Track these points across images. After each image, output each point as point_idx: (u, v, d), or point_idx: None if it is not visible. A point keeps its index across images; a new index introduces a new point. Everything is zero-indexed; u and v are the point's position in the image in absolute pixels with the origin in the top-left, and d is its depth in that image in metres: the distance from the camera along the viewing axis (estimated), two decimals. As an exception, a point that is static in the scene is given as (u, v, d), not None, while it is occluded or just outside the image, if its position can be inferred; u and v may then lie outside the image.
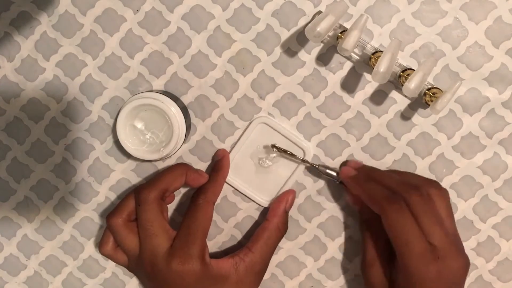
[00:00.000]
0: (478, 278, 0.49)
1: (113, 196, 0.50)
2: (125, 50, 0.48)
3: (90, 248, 0.51)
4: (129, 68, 0.48)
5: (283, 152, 0.47)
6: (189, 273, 0.42)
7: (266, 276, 0.50)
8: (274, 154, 0.48)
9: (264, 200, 0.49)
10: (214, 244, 0.50)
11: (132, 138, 0.46)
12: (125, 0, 0.47)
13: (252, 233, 0.48)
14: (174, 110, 0.45)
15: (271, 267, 0.50)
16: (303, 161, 0.47)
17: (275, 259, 0.50)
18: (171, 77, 0.48)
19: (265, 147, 0.48)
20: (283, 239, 0.50)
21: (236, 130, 0.48)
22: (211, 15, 0.47)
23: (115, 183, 0.50)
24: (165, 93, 0.47)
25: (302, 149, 0.47)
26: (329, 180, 0.48)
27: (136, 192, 0.44)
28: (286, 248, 0.50)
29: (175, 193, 0.49)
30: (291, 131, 0.47)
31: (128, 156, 0.49)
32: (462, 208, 0.48)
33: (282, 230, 0.47)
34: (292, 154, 0.47)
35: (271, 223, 0.46)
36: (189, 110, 0.48)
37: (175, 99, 0.46)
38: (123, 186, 0.50)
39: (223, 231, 0.50)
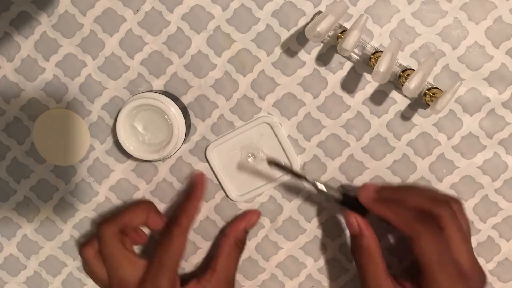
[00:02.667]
0: (478, 278, 0.49)
1: (112, 196, 0.50)
2: (125, 50, 0.48)
3: (90, 248, 0.51)
4: (129, 68, 0.48)
5: (281, 168, 0.45)
6: None
7: (266, 276, 0.50)
8: (263, 159, 0.48)
9: (233, 193, 0.49)
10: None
11: (132, 138, 0.46)
12: (125, 0, 0.47)
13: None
14: (173, 110, 0.45)
15: (271, 267, 0.50)
16: (303, 178, 0.45)
17: (275, 259, 0.50)
18: (171, 77, 0.48)
19: (267, 159, 0.47)
20: (283, 240, 0.50)
21: (238, 123, 0.48)
22: (211, 15, 0.47)
23: (115, 183, 0.50)
24: (165, 93, 0.47)
25: (290, 163, 0.48)
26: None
27: (97, 228, 0.44)
28: (286, 248, 0.50)
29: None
30: (288, 142, 0.47)
31: (128, 156, 0.49)
32: (462, 208, 0.48)
33: (240, 247, 0.48)
34: (292, 172, 0.45)
35: (229, 239, 0.47)
36: (189, 110, 0.48)
37: (175, 99, 0.46)
38: (123, 186, 0.50)
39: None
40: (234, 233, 0.47)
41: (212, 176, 0.49)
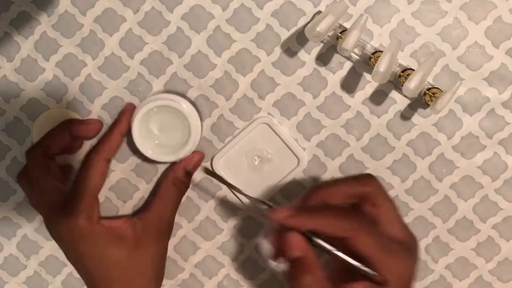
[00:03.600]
0: (478, 278, 0.49)
1: (113, 196, 0.50)
2: (125, 50, 0.48)
3: (90, 248, 0.51)
4: (129, 68, 0.48)
5: (216, 177, 0.45)
6: (76, 229, 0.43)
7: (266, 276, 0.50)
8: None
9: (246, 198, 0.48)
10: (214, 243, 0.50)
11: (149, 141, 0.46)
12: (125, 0, 0.47)
13: (252, 233, 0.48)
14: (190, 111, 0.45)
15: (271, 267, 0.50)
16: (239, 191, 0.43)
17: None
18: (171, 77, 0.48)
19: (204, 169, 0.46)
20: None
21: (236, 130, 0.48)
22: (211, 15, 0.47)
23: (115, 183, 0.50)
24: (175, 92, 0.47)
25: (297, 158, 0.48)
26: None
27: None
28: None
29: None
30: (291, 138, 0.48)
31: (128, 156, 0.49)
32: (462, 208, 0.48)
33: (179, 186, 0.47)
34: (227, 184, 0.44)
35: (166, 179, 0.46)
36: (189, 110, 0.48)
37: (188, 99, 0.46)
38: (123, 186, 0.50)
39: (222, 231, 0.50)
40: (172, 173, 0.47)
41: (223, 186, 0.49)
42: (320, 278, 0.36)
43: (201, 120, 0.47)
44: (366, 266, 0.36)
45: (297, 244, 0.36)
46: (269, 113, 0.48)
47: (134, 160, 0.49)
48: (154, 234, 0.45)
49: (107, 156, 0.45)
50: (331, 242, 0.37)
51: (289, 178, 0.48)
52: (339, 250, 0.37)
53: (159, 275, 0.47)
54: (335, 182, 0.39)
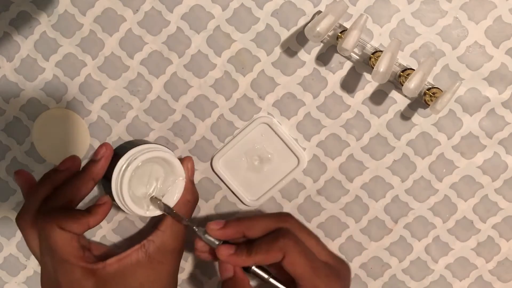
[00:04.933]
0: (478, 278, 0.48)
1: (112, 196, 0.50)
2: (125, 50, 0.48)
3: (89, 248, 0.51)
4: (129, 68, 0.48)
5: (161, 206, 0.43)
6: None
7: (266, 276, 0.50)
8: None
9: (249, 199, 0.49)
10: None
11: (142, 200, 0.44)
12: (125, 0, 0.47)
13: None
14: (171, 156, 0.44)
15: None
16: (182, 219, 0.43)
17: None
18: (171, 77, 0.48)
19: (151, 198, 0.44)
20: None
21: (236, 130, 0.48)
22: (211, 15, 0.47)
23: (114, 183, 0.50)
24: (138, 141, 0.47)
25: (297, 158, 0.48)
26: (328, 182, 0.48)
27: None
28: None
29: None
30: (291, 138, 0.47)
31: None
32: (462, 208, 0.48)
33: (191, 200, 0.45)
34: (169, 211, 0.43)
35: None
36: (189, 110, 0.48)
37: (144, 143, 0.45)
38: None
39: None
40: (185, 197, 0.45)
41: (223, 187, 0.49)
42: None
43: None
44: (299, 285, 0.39)
45: (227, 266, 0.41)
46: (269, 113, 0.48)
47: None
48: (170, 254, 0.44)
49: (62, 225, 0.41)
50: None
51: (289, 178, 0.48)
52: (273, 275, 0.41)
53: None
54: (254, 217, 0.42)
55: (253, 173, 0.48)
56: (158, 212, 0.44)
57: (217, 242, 0.41)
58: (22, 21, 0.48)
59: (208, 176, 0.49)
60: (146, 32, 0.47)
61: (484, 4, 0.44)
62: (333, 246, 0.49)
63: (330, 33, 0.44)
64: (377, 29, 0.45)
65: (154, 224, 0.49)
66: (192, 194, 0.46)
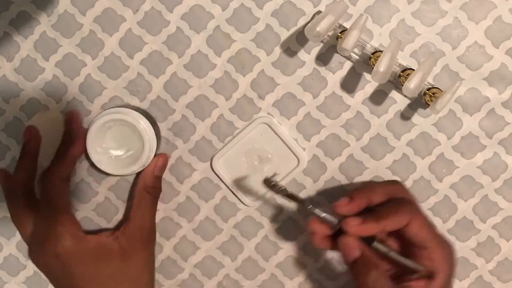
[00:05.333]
0: (478, 278, 0.48)
1: (112, 196, 0.50)
2: (125, 50, 0.48)
3: (89, 248, 0.51)
4: (129, 68, 0.48)
5: (280, 191, 0.42)
6: (63, 251, 0.43)
7: (266, 276, 0.50)
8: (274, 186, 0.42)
9: (249, 200, 0.49)
10: (213, 244, 0.50)
11: (107, 158, 0.46)
12: (125, 0, 0.47)
13: (252, 233, 0.48)
14: (139, 120, 0.45)
15: (271, 267, 0.50)
16: (299, 201, 0.41)
17: (275, 259, 0.50)
18: (171, 77, 0.48)
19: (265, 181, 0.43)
20: (283, 240, 0.49)
21: (236, 130, 0.48)
22: (211, 15, 0.47)
23: (114, 183, 0.50)
24: (129, 106, 0.47)
25: (297, 158, 0.47)
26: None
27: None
28: (285, 248, 0.50)
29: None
30: (290, 138, 0.47)
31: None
32: (462, 208, 0.48)
33: (152, 193, 0.47)
34: (290, 196, 0.42)
35: (138, 187, 0.47)
36: (189, 110, 0.48)
37: (141, 112, 0.46)
38: (122, 186, 0.50)
39: (222, 231, 0.50)
40: (142, 180, 0.47)
41: (223, 187, 0.49)
42: (384, 271, 0.39)
43: (155, 127, 0.47)
44: (420, 251, 0.40)
45: (353, 245, 0.39)
46: (268, 113, 0.48)
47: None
48: (139, 242, 0.46)
49: (62, 176, 0.46)
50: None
51: (289, 178, 0.48)
52: (392, 247, 0.41)
53: (151, 279, 0.48)
54: (371, 185, 0.44)
55: (253, 173, 0.48)
56: (129, 171, 0.46)
57: (336, 221, 0.39)
58: (22, 21, 0.48)
59: (208, 176, 0.49)
60: (146, 32, 0.47)
61: (484, 4, 0.44)
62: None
63: (330, 33, 0.44)
64: (377, 29, 0.45)
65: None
66: (152, 187, 0.47)
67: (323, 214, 0.39)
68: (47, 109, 0.49)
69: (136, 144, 0.45)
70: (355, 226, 0.38)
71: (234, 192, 0.49)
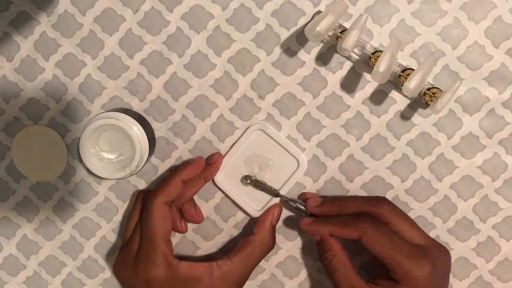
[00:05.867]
0: (478, 278, 0.48)
1: (112, 196, 0.50)
2: (125, 50, 0.48)
3: (89, 248, 0.51)
4: (129, 68, 0.48)
5: (255, 184, 0.48)
6: (155, 280, 0.43)
7: (266, 276, 0.50)
8: (248, 182, 0.48)
9: (252, 209, 0.48)
10: (213, 244, 0.50)
11: (99, 160, 0.46)
12: (125, 0, 0.47)
13: (252, 233, 0.48)
14: (133, 126, 0.44)
15: (271, 267, 0.50)
16: (276, 194, 0.48)
17: (275, 259, 0.50)
18: (171, 77, 0.48)
19: (242, 179, 0.48)
20: (283, 240, 0.49)
21: (236, 130, 0.48)
22: (211, 15, 0.47)
23: (114, 183, 0.50)
24: (122, 110, 0.47)
25: (297, 160, 0.47)
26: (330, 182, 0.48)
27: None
28: (286, 248, 0.50)
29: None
30: (287, 141, 0.47)
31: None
32: (462, 208, 0.48)
33: (269, 244, 0.46)
34: (264, 187, 0.47)
35: (257, 237, 0.45)
36: (189, 110, 0.48)
37: (132, 114, 0.46)
38: (122, 186, 0.50)
39: (222, 231, 0.50)
40: (262, 230, 0.46)
41: (226, 197, 0.49)
42: (338, 252, 0.44)
43: (149, 132, 0.46)
44: (384, 265, 0.41)
45: (314, 231, 0.45)
46: (269, 113, 0.48)
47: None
48: (230, 286, 0.44)
49: (165, 199, 0.44)
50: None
51: (292, 182, 0.48)
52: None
53: None
54: (349, 198, 0.46)
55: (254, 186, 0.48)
56: (120, 175, 0.45)
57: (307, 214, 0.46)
58: (22, 21, 0.48)
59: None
60: (146, 32, 0.47)
61: (484, 4, 0.44)
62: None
63: (330, 33, 0.44)
64: (377, 29, 0.45)
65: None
66: (270, 238, 0.46)
67: (296, 204, 0.47)
68: (33, 124, 0.49)
69: (128, 150, 0.45)
70: (304, 224, 0.45)
71: (239, 203, 0.48)
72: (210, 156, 0.48)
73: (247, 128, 0.48)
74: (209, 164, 0.48)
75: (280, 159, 0.48)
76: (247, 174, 0.48)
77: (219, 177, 0.48)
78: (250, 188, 0.48)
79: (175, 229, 0.47)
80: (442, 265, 0.42)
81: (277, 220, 0.47)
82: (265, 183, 0.48)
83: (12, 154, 0.50)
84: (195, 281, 0.44)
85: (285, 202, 0.48)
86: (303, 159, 0.47)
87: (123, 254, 0.45)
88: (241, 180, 0.48)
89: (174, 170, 0.47)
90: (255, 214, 0.48)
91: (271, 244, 0.46)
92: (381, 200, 0.44)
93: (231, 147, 0.48)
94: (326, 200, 0.46)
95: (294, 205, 0.47)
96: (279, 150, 0.48)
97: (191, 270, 0.44)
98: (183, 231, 0.48)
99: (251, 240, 0.45)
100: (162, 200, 0.44)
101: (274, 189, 0.48)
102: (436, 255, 0.42)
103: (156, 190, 0.45)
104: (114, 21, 0.47)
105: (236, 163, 0.48)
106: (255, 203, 0.48)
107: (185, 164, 0.47)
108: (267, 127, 0.47)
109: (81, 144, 0.45)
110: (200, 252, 0.51)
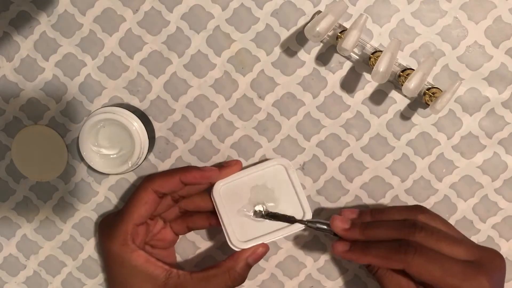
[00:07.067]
0: (478, 278, 0.48)
1: (112, 196, 0.50)
2: (125, 50, 0.48)
3: (89, 248, 0.51)
4: (129, 68, 0.48)
5: (271, 217, 0.44)
6: (110, 253, 0.44)
7: (266, 276, 0.50)
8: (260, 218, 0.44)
9: (236, 239, 0.44)
10: (213, 243, 0.50)
11: (99, 157, 0.46)
12: (125, 0, 0.47)
13: None
14: (132, 121, 0.45)
15: (271, 267, 0.50)
16: (295, 221, 0.44)
17: (275, 259, 0.50)
18: (170, 77, 0.48)
19: (255, 205, 0.45)
20: (283, 239, 0.49)
21: (236, 130, 0.48)
22: (211, 15, 0.47)
23: (114, 183, 0.50)
24: (125, 105, 0.47)
25: (303, 210, 0.45)
26: (329, 182, 0.48)
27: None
28: (285, 248, 0.50)
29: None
30: (302, 190, 0.45)
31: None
32: (462, 208, 0.48)
33: (234, 278, 0.43)
34: (282, 218, 0.44)
35: (225, 264, 0.43)
36: (189, 110, 0.48)
37: (133, 110, 0.46)
38: (122, 186, 0.50)
39: (222, 231, 0.50)
40: (232, 262, 0.44)
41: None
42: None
43: (149, 128, 0.46)
44: None
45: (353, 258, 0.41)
46: (266, 116, 0.48)
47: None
48: None
49: (157, 188, 0.43)
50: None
51: (286, 232, 0.44)
52: None
53: None
54: (387, 208, 0.44)
55: (251, 214, 0.45)
56: (121, 169, 0.45)
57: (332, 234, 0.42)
58: (22, 21, 0.48)
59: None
60: (146, 32, 0.47)
61: (484, 4, 0.44)
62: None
63: (330, 33, 0.44)
64: (377, 29, 0.45)
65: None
66: (237, 273, 0.43)
67: (317, 225, 0.43)
68: (33, 124, 0.49)
69: (128, 145, 0.45)
70: (340, 252, 0.41)
71: (224, 227, 0.45)
72: (229, 161, 0.47)
73: (271, 159, 0.46)
74: (222, 167, 0.46)
75: (287, 203, 0.45)
76: (248, 201, 0.45)
77: (220, 190, 0.45)
78: (242, 217, 0.45)
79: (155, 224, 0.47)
80: (498, 273, 0.39)
81: (255, 261, 0.44)
82: (279, 214, 0.44)
83: (12, 154, 0.50)
84: (148, 278, 0.43)
85: (306, 225, 0.44)
86: (308, 210, 0.45)
87: (111, 214, 0.47)
88: (252, 211, 0.45)
89: (180, 168, 0.45)
90: (236, 245, 0.44)
91: (237, 280, 0.43)
92: (419, 209, 0.42)
93: (244, 168, 0.46)
94: (356, 224, 0.41)
95: (314, 226, 0.43)
96: (290, 194, 0.45)
97: (146, 264, 0.43)
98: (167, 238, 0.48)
99: (218, 265, 0.43)
100: (152, 187, 0.43)
101: (290, 216, 0.44)
102: (489, 265, 0.38)
103: (155, 175, 0.44)
104: (114, 21, 0.47)
105: (243, 185, 0.45)
106: (242, 234, 0.45)
107: (194, 168, 0.45)
108: (291, 168, 0.45)
109: (80, 141, 0.45)
110: (200, 252, 0.51)
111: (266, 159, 0.47)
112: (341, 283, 0.50)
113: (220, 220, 0.45)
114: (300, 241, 0.50)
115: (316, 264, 0.50)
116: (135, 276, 0.43)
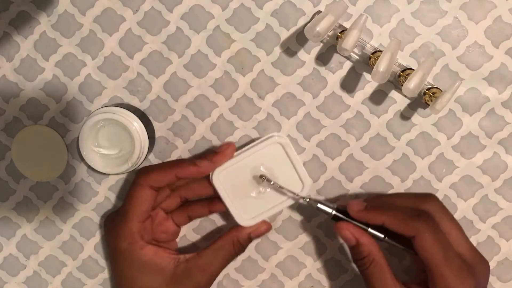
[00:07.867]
0: (478, 278, 0.48)
1: (112, 196, 0.50)
2: (125, 50, 0.48)
3: (89, 248, 0.51)
4: (129, 68, 0.48)
5: (272, 184, 0.44)
6: (117, 251, 0.44)
7: (266, 276, 0.50)
8: (262, 187, 0.45)
9: (243, 217, 0.45)
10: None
11: (99, 157, 0.46)
12: (125, 0, 0.47)
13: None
14: (132, 121, 0.45)
15: (271, 267, 0.50)
16: (295, 195, 0.45)
17: (275, 259, 0.50)
18: (170, 77, 0.48)
19: (254, 177, 0.45)
20: (283, 240, 0.49)
21: (236, 130, 0.48)
22: (211, 15, 0.47)
23: (114, 183, 0.50)
24: (121, 105, 0.47)
25: (302, 183, 0.45)
26: (330, 182, 0.48)
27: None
28: (285, 248, 0.50)
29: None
30: (301, 164, 0.45)
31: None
32: (461, 208, 0.48)
33: (237, 249, 0.45)
34: (281, 187, 0.44)
35: (227, 236, 0.45)
36: (189, 110, 0.48)
37: (133, 110, 0.46)
38: (122, 186, 0.50)
39: (222, 230, 0.50)
40: (236, 232, 0.45)
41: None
42: (376, 257, 0.41)
43: (149, 128, 0.46)
44: (430, 274, 0.39)
45: (349, 236, 0.41)
46: (266, 116, 0.48)
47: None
48: (192, 283, 0.44)
49: (153, 184, 0.43)
50: (404, 242, 0.41)
51: (288, 203, 0.46)
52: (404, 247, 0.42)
53: None
54: (397, 194, 0.44)
55: (253, 191, 0.46)
56: (121, 170, 0.46)
57: (330, 211, 0.43)
58: (22, 21, 0.48)
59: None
60: (146, 32, 0.47)
61: (484, 4, 0.44)
62: (333, 246, 0.49)
63: (329, 33, 0.44)
64: (377, 29, 0.45)
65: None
66: (240, 245, 0.45)
67: (318, 204, 0.43)
68: (33, 124, 0.49)
69: (128, 145, 0.46)
70: (356, 212, 0.41)
71: (231, 210, 0.45)
72: (222, 145, 0.46)
73: (267, 137, 0.45)
74: (215, 153, 0.45)
75: (286, 178, 0.45)
76: (249, 183, 0.45)
77: (219, 176, 0.45)
78: (245, 198, 0.45)
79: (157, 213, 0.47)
80: (483, 281, 0.40)
81: (257, 236, 0.46)
82: (283, 186, 0.45)
83: (12, 154, 0.50)
84: (158, 269, 0.43)
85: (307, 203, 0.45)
86: (308, 183, 0.45)
87: (114, 212, 0.48)
88: (254, 178, 0.45)
89: (175, 161, 0.46)
90: (244, 223, 0.45)
91: (240, 250, 0.45)
92: (432, 196, 0.42)
93: (243, 150, 0.46)
94: (371, 206, 0.42)
95: (315, 205, 0.43)
96: (289, 169, 0.45)
97: (155, 256, 0.44)
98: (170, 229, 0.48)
99: (223, 236, 0.45)
100: (147, 183, 0.43)
101: (292, 192, 0.45)
102: (479, 270, 0.40)
103: (150, 170, 0.44)
104: (114, 21, 0.47)
105: (242, 168, 0.45)
106: (247, 212, 0.46)
107: (187, 163, 0.44)
108: (288, 144, 0.45)
109: (80, 141, 0.45)
110: (200, 252, 0.51)
111: (260, 137, 0.47)
112: (341, 283, 0.50)
113: (224, 205, 0.46)
114: (300, 241, 0.50)
115: (316, 264, 0.50)
116: (144, 271, 0.44)
